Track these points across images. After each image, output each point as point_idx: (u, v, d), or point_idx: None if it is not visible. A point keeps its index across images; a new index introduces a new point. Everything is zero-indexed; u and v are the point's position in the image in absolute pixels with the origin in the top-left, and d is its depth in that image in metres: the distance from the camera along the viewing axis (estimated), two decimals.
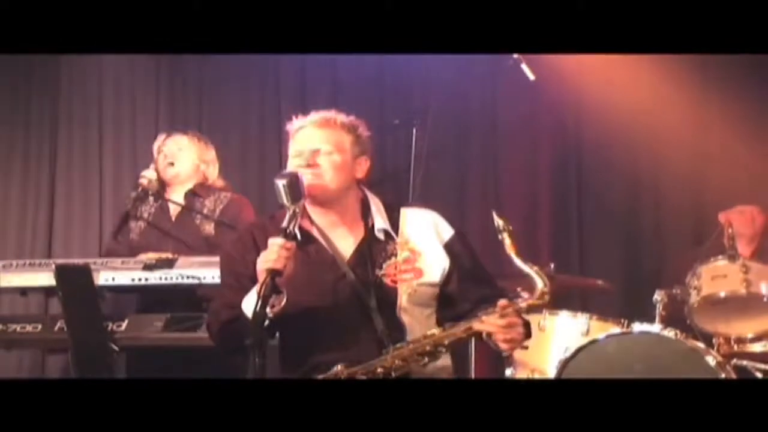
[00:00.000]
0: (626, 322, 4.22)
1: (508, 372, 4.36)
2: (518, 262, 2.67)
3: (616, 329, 4.19)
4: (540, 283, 2.64)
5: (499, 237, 2.70)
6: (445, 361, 2.81)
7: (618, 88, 5.51)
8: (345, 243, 2.84)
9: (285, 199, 2.66)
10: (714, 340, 4.52)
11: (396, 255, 2.82)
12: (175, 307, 3.95)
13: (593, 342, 4.10)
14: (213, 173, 4.44)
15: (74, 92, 5.95)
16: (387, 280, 2.80)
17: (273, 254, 2.56)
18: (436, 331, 2.69)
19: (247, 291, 2.67)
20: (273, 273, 2.53)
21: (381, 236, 2.85)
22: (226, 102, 5.92)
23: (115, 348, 3.78)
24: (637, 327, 4.16)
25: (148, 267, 3.96)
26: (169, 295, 4.01)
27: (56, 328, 3.90)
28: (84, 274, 3.79)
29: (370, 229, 2.86)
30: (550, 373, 4.19)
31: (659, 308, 4.28)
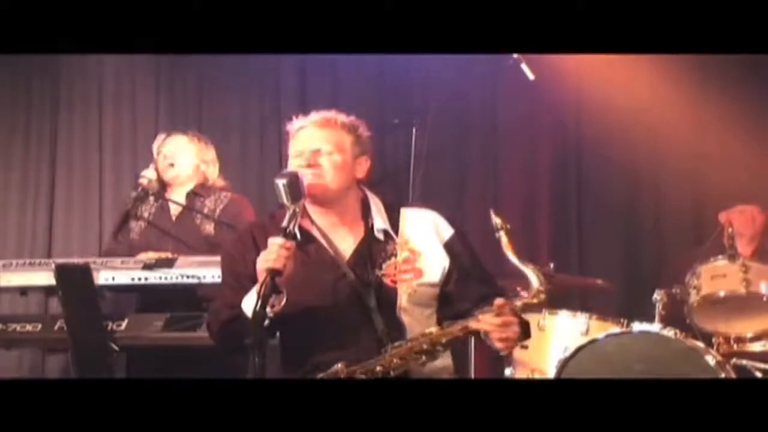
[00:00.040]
0: (626, 322, 4.22)
1: (508, 372, 4.37)
2: (515, 260, 2.67)
3: (615, 329, 4.20)
4: (536, 282, 2.65)
5: (496, 235, 2.70)
6: (446, 361, 2.82)
7: (618, 87, 5.51)
8: (345, 243, 2.85)
9: (285, 199, 2.67)
10: (713, 340, 4.52)
11: (396, 255, 2.83)
12: (175, 306, 3.95)
13: (593, 341, 4.10)
14: (213, 173, 4.44)
15: (74, 92, 5.95)
16: (387, 280, 2.80)
17: (273, 254, 2.56)
18: (433, 329, 2.69)
19: (247, 291, 2.67)
20: (273, 273, 2.53)
21: (381, 236, 2.85)
22: (226, 102, 5.92)
23: (115, 347, 3.78)
24: (637, 326, 4.16)
25: (147, 266, 3.96)
26: (169, 294, 4.01)
27: (56, 328, 3.90)
28: (84, 273, 3.79)
29: (369, 230, 2.86)
30: (550, 372, 4.19)
31: (659, 308, 4.28)
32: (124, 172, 5.78)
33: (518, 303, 2.65)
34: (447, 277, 2.84)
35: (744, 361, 4.36)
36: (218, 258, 3.75)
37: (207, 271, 3.88)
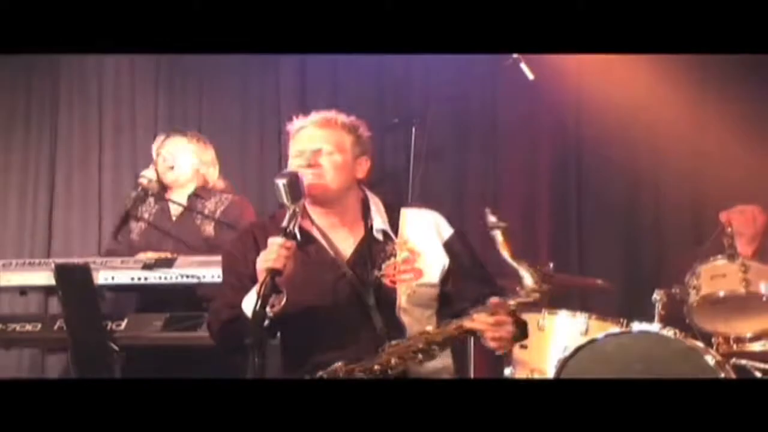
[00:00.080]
0: (625, 322, 4.23)
1: (508, 371, 4.37)
2: (509, 260, 2.65)
3: (615, 329, 4.20)
4: (530, 281, 2.62)
5: (491, 234, 2.69)
6: (446, 361, 2.82)
7: (617, 87, 5.50)
8: (345, 243, 2.85)
9: (285, 199, 2.67)
10: (713, 340, 4.53)
11: (395, 255, 2.83)
12: (175, 306, 3.95)
13: (592, 341, 4.10)
14: (213, 175, 4.44)
15: (74, 92, 5.95)
16: (386, 281, 2.80)
17: (273, 254, 2.56)
18: (430, 328, 2.69)
19: (248, 291, 2.67)
20: (273, 272, 2.53)
21: (380, 237, 2.85)
22: (225, 102, 5.92)
23: (115, 347, 3.78)
24: (636, 326, 4.16)
25: (147, 266, 3.96)
26: (169, 294, 4.01)
27: (56, 328, 3.90)
28: (83, 273, 3.79)
29: (369, 230, 2.86)
30: (550, 372, 4.19)
31: (658, 308, 4.29)
32: (123, 171, 5.78)
33: (512, 302, 2.63)
34: (446, 277, 2.84)
35: (743, 361, 4.36)
36: (218, 258, 3.75)
37: (206, 271, 3.88)
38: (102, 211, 5.79)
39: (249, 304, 2.59)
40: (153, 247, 4.19)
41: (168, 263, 3.97)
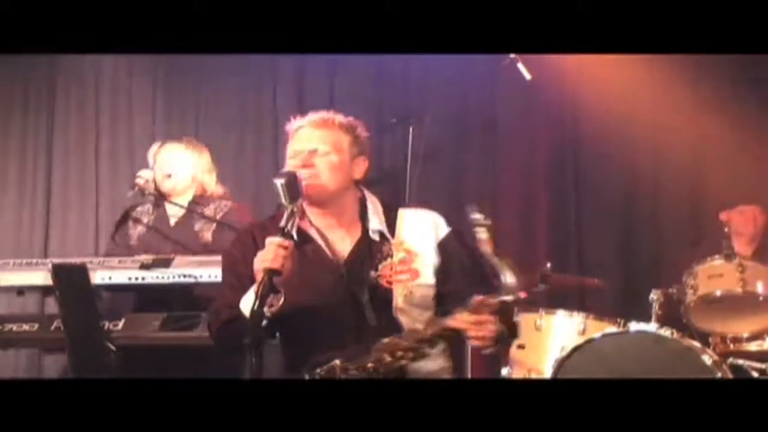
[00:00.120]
0: (623, 322, 4.22)
1: (505, 371, 4.37)
2: (491, 258, 2.62)
3: (612, 328, 4.20)
4: (509, 278, 2.56)
5: (474, 231, 2.66)
6: (443, 361, 2.82)
7: (615, 87, 5.51)
8: (342, 243, 2.85)
9: (283, 199, 2.67)
10: (710, 340, 4.53)
11: (392, 256, 2.82)
12: (172, 306, 3.95)
13: (589, 341, 4.10)
14: (211, 182, 4.41)
15: (71, 92, 5.95)
16: (382, 281, 2.79)
17: (270, 254, 2.56)
18: (419, 326, 2.69)
19: (247, 291, 2.67)
20: (270, 272, 2.53)
21: (376, 237, 2.85)
22: (223, 102, 5.92)
23: (112, 347, 3.78)
24: (634, 326, 4.16)
25: (144, 266, 3.96)
26: (166, 294, 4.01)
27: (53, 328, 3.90)
28: (80, 273, 3.79)
29: (366, 230, 2.86)
30: (547, 372, 4.19)
31: (655, 307, 4.29)
32: (120, 171, 5.77)
33: (493, 301, 2.58)
34: (442, 278, 2.84)
35: (740, 361, 4.36)
36: (215, 258, 3.78)
37: (204, 271, 3.88)
38: (99, 211, 5.79)
39: (247, 304, 2.60)
40: (151, 253, 4.18)
41: (165, 263, 3.97)
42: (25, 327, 3.94)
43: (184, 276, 3.91)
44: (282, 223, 2.63)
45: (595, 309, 4.52)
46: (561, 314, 4.37)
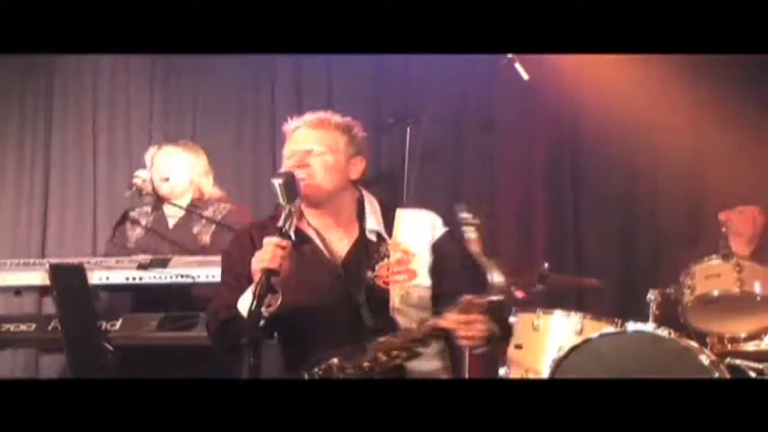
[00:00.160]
0: (620, 322, 4.22)
1: (502, 371, 4.37)
2: (480, 257, 2.61)
3: (609, 328, 4.20)
4: (497, 278, 2.55)
5: (462, 230, 2.64)
6: (443, 361, 2.82)
7: (613, 87, 5.51)
8: (340, 244, 2.85)
9: (281, 199, 2.67)
10: (707, 339, 4.53)
11: (389, 256, 2.82)
12: (170, 306, 3.95)
13: (587, 341, 4.10)
14: (207, 185, 4.41)
15: (69, 91, 5.94)
16: (379, 282, 2.80)
17: (268, 254, 2.56)
18: (414, 326, 2.69)
19: (245, 291, 2.67)
20: (268, 272, 2.53)
21: (373, 238, 2.85)
22: (221, 101, 5.92)
23: (109, 347, 3.78)
24: (631, 326, 4.16)
25: (142, 266, 3.96)
26: (164, 294, 4.01)
27: (50, 328, 3.90)
28: (78, 273, 3.79)
29: (363, 231, 2.86)
30: (544, 372, 4.19)
31: (653, 307, 4.29)
32: (118, 171, 5.77)
33: (481, 301, 2.57)
34: (438, 278, 2.83)
35: (738, 361, 4.36)
36: (212, 258, 3.78)
37: (201, 271, 3.88)
38: (96, 211, 5.78)
39: (244, 304, 2.60)
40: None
41: (163, 263, 3.97)
42: (23, 327, 3.94)
43: (182, 276, 3.91)
44: (280, 223, 2.63)
45: (592, 309, 4.52)
46: (558, 314, 4.37)
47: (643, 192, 5.76)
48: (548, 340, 4.31)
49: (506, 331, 2.75)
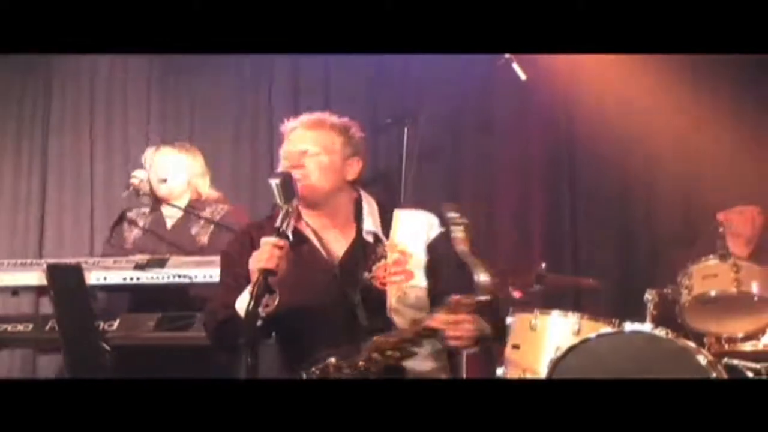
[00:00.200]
0: (617, 322, 4.22)
1: (500, 372, 4.37)
2: (467, 256, 2.61)
3: (607, 329, 4.20)
4: (483, 277, 2.56)
5: (450, 230, 2.66)
6: (441, 361, 2.82)
7: (610, 87, 5.51)
8: (337, 244, 2.85)
9: (278, 199, 2.67)
10: (705, 340, 4.53)
11: (386, 257, 2.82)
12: (167, 306, 3.95)
13: (584, 341, 4.10)
14: (204, 186, 4.41)
15: (66, 92, 5.94)
16: (376, 283, 2.79)
17: (265, 254, 2.56)
18: (406, 326, 2.69)
19: (244, 291, 2.67)
20: (265, 272, 2.53)
21: (369, 239, 2.85)
22: (218, 102, 5.91)
23: (107, 347, 3.77)
24: (629, 326, 4.16)
25: (139, 266, 3.96)
26: (161, 294, 4.00)
27: (47, 328, 3.89)
28: (75, 273, 3.78)
29: (360, 232, 2.86)
30: (542, 372, 4.19)
31: (650, 307, 4.29)
32: (115, 172, 5.77)
33: (469, 300, 2.58)
34: (433, 279, 2.83)
35: (735, 361, 4.36)
36: (210, 258, 3.78)
37: (199, 271, 3.88)
38: (93, 211, 5.78)
39: (242, 304, 2.60)
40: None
41: (160, 263, 3.97)
42: (20, 327, 3.94)
43: (179, 276, 3.91)
44: (277, 223, 2.63)
45: (590, 309, 4.52)
46: (556, 314, 4.37)
47: (640, 192, 5.76)
48: (546, 341, 4.32)
49: (498, 332, 2.75)
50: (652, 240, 5.71)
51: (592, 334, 4.12)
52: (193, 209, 4.31)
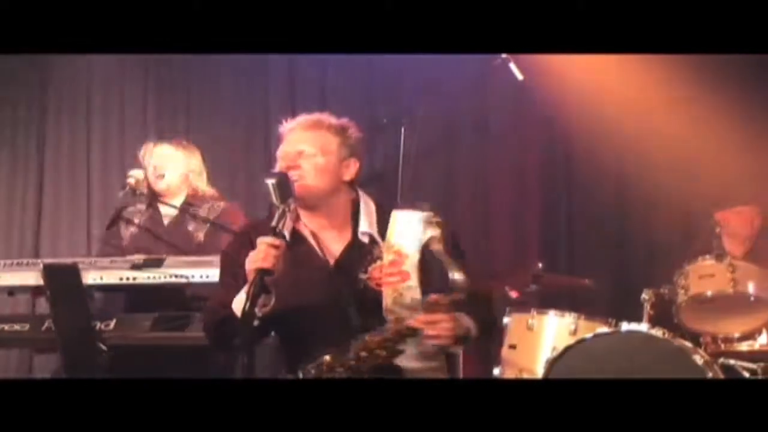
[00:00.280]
0: (614, 322, 4.23)
1: (496, 371, 4.37)
2: (441, 255, 2.62)
3: (603, 329, 4.20)
4: (457, 276, 2.57)
5: (425, 229, 2.67)
6: (438, 361, 2.81)
7: (607, 87, 5.51)
8: (334, 245, 2.85)
9: (274, 198, 2.67)
10: (701, 340, 4.54)
11: (382, 258, 2.82)
12: (163, 306, 3.95)
13: (581, 341, 4.11)
14: (202, 183, 4.41)
15: (62, 91, 5.94)
16: (371, 283, 2.79)
17: (261, 253, 2.57)
18: (392, 326, 2.69)
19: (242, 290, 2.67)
20: (262, 272, 2.53)
21: (365, 239, 2.85)
22: (215, 101, 5.92)
23: (103, 347, 3.77)
24: (625, 326, 4.17)
25: (136, 266, 3.96)
26: (157, 294, 4.00)
27: (44, 328, 3.89)
28: (72, 273, 3.78)
29: (356, 233, 2.86)
30: (538, 372, 4.20)
31: (647, 307, 4.30)
32: (112, 171, 5.77)
33: (445, 299, 2.59)
34: (427, 279, 2.83)
35: (731, 361, 4.37)
36: (207, 258, 3.78)
37: (195, 271, 3.88)
38: (90, 211, 5.78)
39: (239, 304, 2.59)
40: (143, 253, 4.17)
41: (157, 263, 3.96)
42: (16, 327, 3.93)
43: (176, 276, 3.90)
44: (273, 223, 2.63)
45: (586, 309, 4.52)
46: (552, 314, 4.38)
47: (637, 192, 5.76)
48: (542, 341, 4.32)
49: (485, 330, 2.75)
50: (648, 240, 5.71)
51: (589, 334, 4.13)
52: (189, 206, 4.31)
